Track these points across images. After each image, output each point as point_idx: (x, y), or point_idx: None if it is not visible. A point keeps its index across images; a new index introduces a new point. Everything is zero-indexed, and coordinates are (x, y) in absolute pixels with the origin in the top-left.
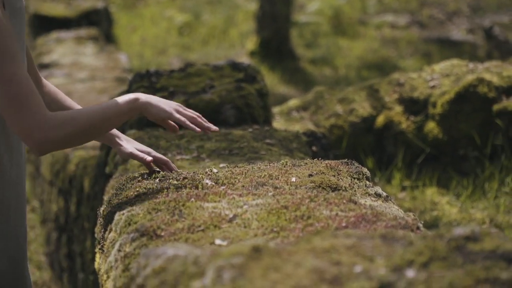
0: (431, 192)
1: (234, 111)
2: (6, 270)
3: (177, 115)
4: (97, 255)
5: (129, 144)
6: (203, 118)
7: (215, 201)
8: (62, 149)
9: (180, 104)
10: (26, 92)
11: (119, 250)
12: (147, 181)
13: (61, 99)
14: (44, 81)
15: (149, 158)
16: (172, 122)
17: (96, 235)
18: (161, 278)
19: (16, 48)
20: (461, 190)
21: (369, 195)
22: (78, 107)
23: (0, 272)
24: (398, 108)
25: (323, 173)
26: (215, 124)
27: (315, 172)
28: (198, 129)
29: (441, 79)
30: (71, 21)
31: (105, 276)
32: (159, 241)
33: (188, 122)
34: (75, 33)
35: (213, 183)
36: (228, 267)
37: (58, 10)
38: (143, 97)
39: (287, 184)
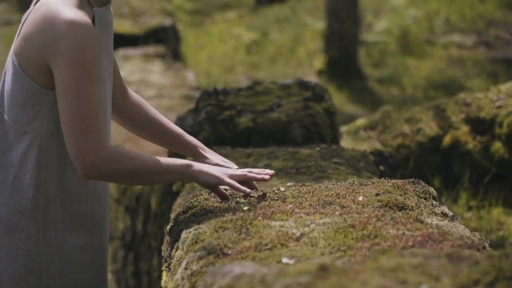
0: (497, 212)
1: (301, 130)
2: (90, 282)
3: (227, 180)
4: (164, 273)
5: (214, 156)
6: (254, 170)
7: (282, 220)
8: (106, 181)
9: (232, 168)
10: (94, 116)
11: (185, 268)
12: (214, 199)
13: (145, 111)
14: (130, 92)
15: (248, 191)
16: (223, 190)
17: (162, 253)
18: None
19: (98, 69)
20: None
21: (435, 214)
22: (163, 119)
23: (84, 284)
24: (465, 128)
25: (390, 192)
26: (282, 142)
27: (382, 191)
28: (249, 190)
29: (507, 99)
30: (139, 38)
31: None
32: (226, 259)
33: (238, 185)
34: (143, 50)
35: (281, 202)
36: (295, 285)
37: (125, 27)
38: (196, 165)
39: (354, 203)
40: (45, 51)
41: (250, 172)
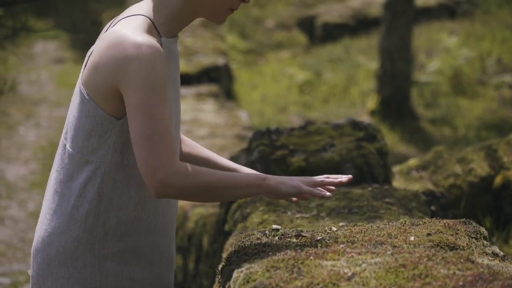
0: None
1: (354, 170)
2: None
3: (305, 187)
4: None
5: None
6: (331, 176)
7: (334, 259)
8: (180, 199)
9: (302, 178)
10: (164, 132)
11: None
12: (266, 238)
13: (197, 152)
14: (181, 135)
15: (328, 194)
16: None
17: None
18: None
19: (166, 89)
20: None
21: (486, 254)
22: (216, 157)
23: None
24: None
25: (441, 232)
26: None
27: (433, 231)
28: (328, 193)
29: None
30: (192, 77)
31: None
32: None
33: (316, 191)
34: (196, 89)
35: (333, 241)
36: None
37: None
38: (271, 177)
39: (406, 243)
40: (114, 75)
41: (327, 177)
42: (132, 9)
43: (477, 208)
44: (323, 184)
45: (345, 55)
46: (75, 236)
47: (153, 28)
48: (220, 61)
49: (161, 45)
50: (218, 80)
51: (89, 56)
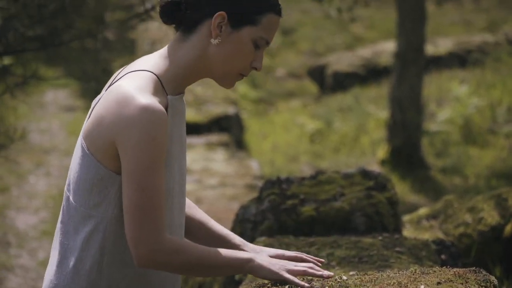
0: None
1: (364, 219)
2: None
3: (286, 275)
4: None
5: (260, 256)
6: (315, 267)
7: None
8: (164, 271)
9: (291, 262)
10: (154, 206)
11: None
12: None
13: (192, 214)
14: None
15: (307, 286)
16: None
17: None
18: None
19: (167, 157)
20: None
21: None
22: (210, 220)
23: None
24: None
25: (451, 281)
26: (345, 231)
27: (443, 280)
28: (307, 285)
29: None
30: (202, 126)
31: None
32: None
33: (297, 281)
34: (206, 138)
35: None
36: None
37: (188, 115)
38: (257, 259)
39: None
40: (116, 134)
41: (311, 268)
42: (140, 62)
43: (487, 257)
44: (304, 274)
45: (355, 104)
46: None
47: (159, 86)
48: (230, 110)
49: (167, 103)
50: (228, 129)
51: (93, 108)
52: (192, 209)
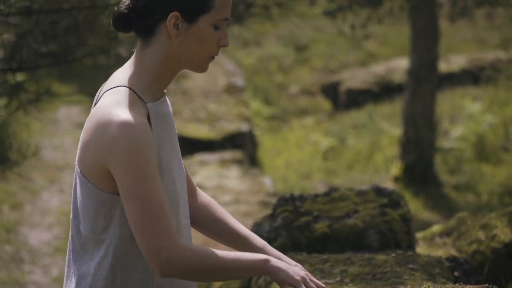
0: None
1: (377, 236)
2: None
3: (301, 286)
4: None
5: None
6: None
7: None
8: (183, 279)
9: (307, 273)
10: (160, 215)
11: None
12: None
13: (212, 211)
14: (199, 191)
15: None
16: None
17: None
18: None
19: (162, 163)
20: None
21: None
22: (230, 220)
23: None
24: None
25: None
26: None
27: None
28: None
29: None
30: (215, 143)
31: None
32: None
33: None
34: (219, 155)
35: None
36: None
37: (202, 132)
38: (273, 260)
39: None
40: (102, 157)
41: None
42: (115, 77)
43: (500, 274)
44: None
45: (369, 121)
46: None
47: (135, 98)
48: (244, 127)
49: (148, 113)
50: (242, 146)
51: (83, 132)
52: (214, 205)
